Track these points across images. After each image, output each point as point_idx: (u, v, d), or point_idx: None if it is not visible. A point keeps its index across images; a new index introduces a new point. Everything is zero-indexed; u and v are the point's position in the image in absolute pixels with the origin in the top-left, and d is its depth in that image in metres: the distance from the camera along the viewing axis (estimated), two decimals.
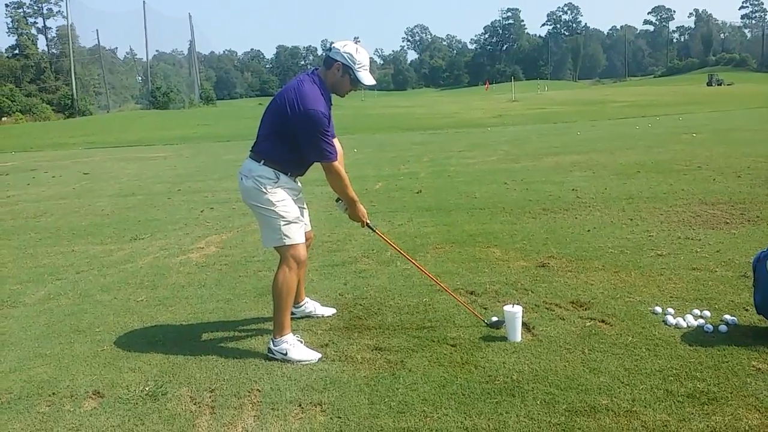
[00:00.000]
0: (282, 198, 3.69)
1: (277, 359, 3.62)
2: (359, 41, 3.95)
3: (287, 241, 3.69)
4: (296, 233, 3.73)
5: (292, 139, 3.62)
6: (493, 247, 5.89)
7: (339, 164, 3.77)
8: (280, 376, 3.41)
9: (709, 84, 65.66)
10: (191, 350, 3.84)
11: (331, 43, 3.74)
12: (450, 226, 6.89)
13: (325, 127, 3.60)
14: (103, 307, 4.83)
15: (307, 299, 4.33)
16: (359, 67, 3.66)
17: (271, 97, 3.96)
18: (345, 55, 3.62)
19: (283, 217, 3.67)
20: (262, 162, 3.69)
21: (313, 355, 3.63)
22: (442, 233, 6.58)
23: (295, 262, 3.71)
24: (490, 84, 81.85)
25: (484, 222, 7.01)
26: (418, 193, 9.36)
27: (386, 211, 7.98)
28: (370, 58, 3.79)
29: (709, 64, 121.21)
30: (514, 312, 3.68)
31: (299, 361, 3.57)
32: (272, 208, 3.65)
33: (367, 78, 3.71)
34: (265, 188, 3.66)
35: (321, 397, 3.16)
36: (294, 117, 3.55)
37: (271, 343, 3.69)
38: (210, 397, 3.23)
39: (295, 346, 3.64)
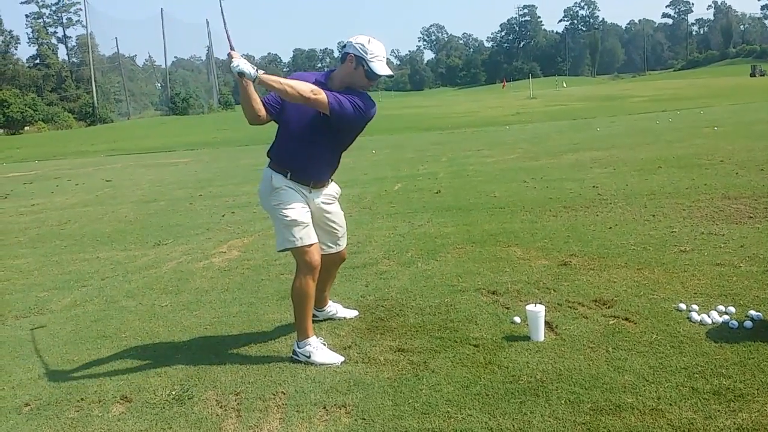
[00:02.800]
0: (295, 200, 3.75)
1: (301, 361, 3.65)
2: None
3: (296, 244, 3.67)
4: (308, 236, 3.70)
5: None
6: (514, 246, 5.87)
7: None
8: (304, 379, 3.44)
9: (753, 75, 64.74)
10: (216, 354, 3.88)
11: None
12: (470, 226, 6.88)
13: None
14: (128, 312, 4.89)
15: (330, 302, 4.35)
16: (372, 58, 3.56)
17: None
18: (357, 46, 3.56)
19: (288, 220, 3.69)
20: (272, 167, 3.80)
21: (337, 358, 3.64)
22: (462, 233, 6.58)
23: (307, 266, 3.67)
24: (507, 82, 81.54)
25: (505, 221, 6.99)
26: (437, 193, 9.35)
27: (405, 212, 7.99)
28: (386, 58, 3.76)
29: (730, 56, 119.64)
30: (537, 311, 3.67)
31: (322, 364, 3.59)
32: (280, 210, 3.73)
33: (381, 68, 3.60)
34: (272, 189, 3.78)
35: (345, 399, 3.18)
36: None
37: (296, 345, 3.71)
38: (235, 401, 3.26)
39: (318, 349, 3.66)
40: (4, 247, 7.99)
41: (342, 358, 3.65)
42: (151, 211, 10.04)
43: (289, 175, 3.70)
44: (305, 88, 3.40)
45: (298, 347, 3.68)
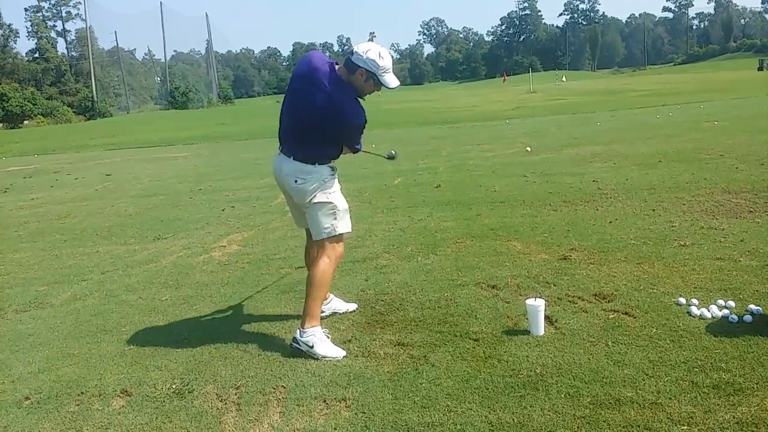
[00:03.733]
0: (335, 190, 3.92)
1: (302, 351, 3.62)
2: (375, 36, 4.00)
3: (332, 232, 3.83)
4: (344, 225, 3.90)
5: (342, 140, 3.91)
6: (514, 240, 5.87)
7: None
8: (304, 372, 3.44)
9: (760, 69, 64.47)
10: (216, 348, 3.89)
11: (348, 39, 3.78)
12: (470, 220, 6.88)
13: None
14: (128, 306, 4.90)
15: (331, 295, 4.35)
16: (383, 72, 3.65)
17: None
18: (368, 62, 3.60)
19: (332, 210, 3.85)
20: (317, 163, 3.82)
21: (339, 353, 3.63)
22: (463, 227, 6.58)
23: (335, 253, 3.85)
24: (507, 76, 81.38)
25: (505, 215, 6.99)
26: (437, 187, 9.35)
27: (405, 207, 7.99)
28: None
29: (730, 50, 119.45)
30: (537, 305, 3.67)
31: (324, 357, 3.58)
32: (326, 200, 3.84)
33: (392, 81, 3.71)
34: (317, 183, 3.83)
35: (345, 392, 3.18)
36: (342, 123, 3.74)
37: (298, 333, 3.67)
38: (236, 394, 3.27)
39: (322, 341, 3.65)
40: (3, 241, 7.99)
41: (344, 353, 3.65)
42: (151, 205, 10.04)
43: (333, 164, 3.88)
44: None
45: (301, 335, 3.65)
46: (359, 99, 3.75)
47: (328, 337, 3.74)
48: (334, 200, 3.78)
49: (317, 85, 3.64)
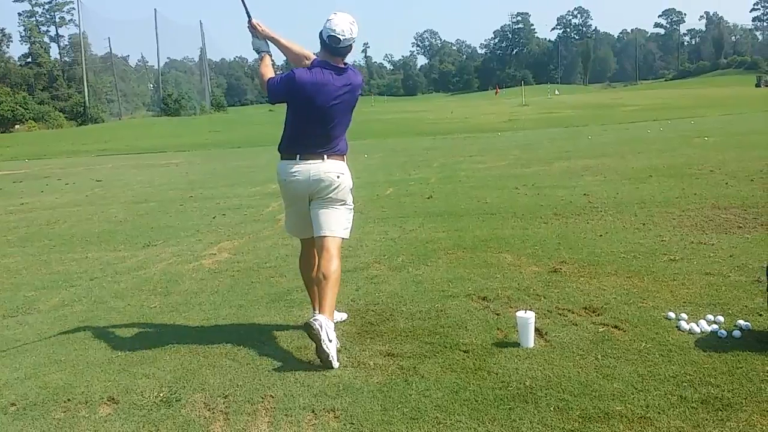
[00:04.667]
0: None
1: (317, 335, 3.51)
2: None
3: (348, 234, 4.12)
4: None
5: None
6: (505, 252, 5.88)
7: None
8: (293, 382, 3.43)
9: (758, 85, 64.94)
10: (205, 356, 3.86)
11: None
12: (461, 231, 6.89)
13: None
14: (116, 313, 4.87)
15: None
16: (327, 22, 3.87)
17: (283, 103, 4.06)
18: (324, 30, 3.88)
19: (352, 213, 4.17)
20: (345, 159, 4.09)
21: (335, 360, 3.62)
22: (454, 238, 6.58)
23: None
24: (500, 88, 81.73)
25: (496, 227, 7.00)
26: (428, 198, 9.36)
27: (397, 217, 7.99)
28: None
29: (721, 66, 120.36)
30: (527, 318, 3.67)
31: (328, 355, 3.55)
32: (352, 203, 4.16)
33: (326, 32, 3.88)
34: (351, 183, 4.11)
35: (334, 403, 3.17)
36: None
37: (323, 319, 3.59)
38: (224, 403, 3.24)
39: (335, 340, 3.67)
40: None
41: (336, 362, 3.60)
42: (142, 211, 10.00)
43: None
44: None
45: (327, 323, 3.59)
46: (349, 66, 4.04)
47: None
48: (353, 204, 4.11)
49: (335, 83, 3.92)
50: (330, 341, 3.57)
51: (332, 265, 3.86)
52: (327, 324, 3.60)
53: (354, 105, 4.07)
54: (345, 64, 4.01)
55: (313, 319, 3.60)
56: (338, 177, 3.96)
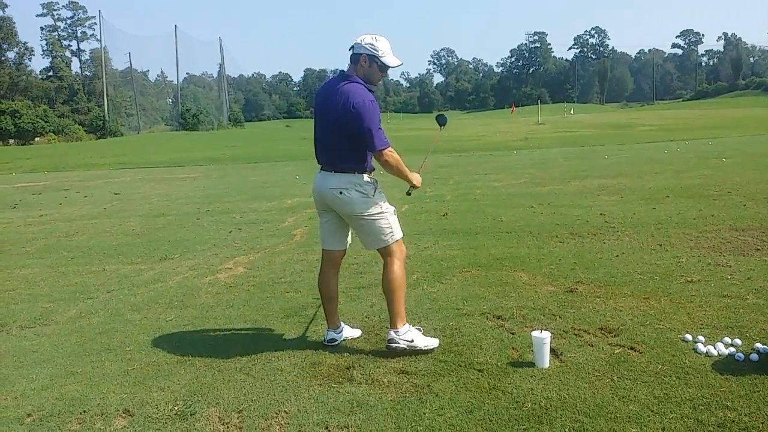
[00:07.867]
0: (383, 199, 4.05)
1: (401, 348, 3.87)
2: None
3: (395, 237, 4.06)
4: (398, 227, 4.11)
5: (359, 139, 3.88)
6: (520, 271, 5.86)
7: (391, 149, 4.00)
8: (307, 398, 3.43)
9: None
10: (220, 370, 3.88)
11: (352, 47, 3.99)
12: (476, 250, 6.88)
13: (378, 115, 3.90)
14: (133, 326, 4.90)
15: (342, 324, 4.35)
16: (383, 53, 3.92)
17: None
18: (367, 46, 3.90)
19: (387, 218, 4.04)
20: (356, 172, 3.97)
21: (434, 342, 3.99)
22: (469, 257, 6.58)
23: (401, 253, 4.09)
24: (516, 107, 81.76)
25: (511, 246, 6.98)
26: (444, 215, 9.36)
27: (412, 234, 7.99)
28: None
29: (739, 87, 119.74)
30: (542, 338, 3.66)
31: (426, 347, 3.91)
32: (379, 211, 4.01)
33: (392, 60, 3.98)
34: (371, 194, 3.99)
35: (348, 420, 3.16)
36: (352, 116, 3.82)
37: (393, 333, 3.92)
38: (238, 418, 3.25)
39: (419, 335, 3.96)
40: (11, 256, 8.03)
41: (437, 341, 4.02)
42: (159, 225, 10.08)
43: (374, 178, 4.10)
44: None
45: (398, 333, 3.90)
46: (370, 90, 3.98)
47: (420, 330, 4.07)
48: (385, 209, 4.04)
49: (332, 97, 3.93)
50: (411, 341, 3.90)
51: (391, 272, 4.00)
52: (398, 336, 3.91)
53: (346, 123, 3.88)
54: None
55: (388, 342, 3.95)
56: (340, 193, 3.96)
